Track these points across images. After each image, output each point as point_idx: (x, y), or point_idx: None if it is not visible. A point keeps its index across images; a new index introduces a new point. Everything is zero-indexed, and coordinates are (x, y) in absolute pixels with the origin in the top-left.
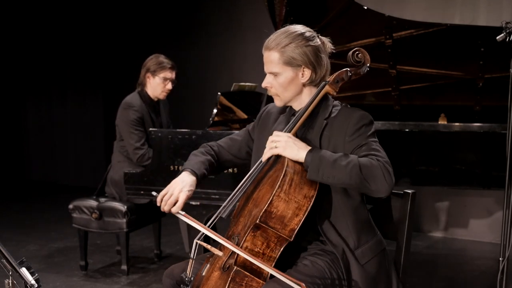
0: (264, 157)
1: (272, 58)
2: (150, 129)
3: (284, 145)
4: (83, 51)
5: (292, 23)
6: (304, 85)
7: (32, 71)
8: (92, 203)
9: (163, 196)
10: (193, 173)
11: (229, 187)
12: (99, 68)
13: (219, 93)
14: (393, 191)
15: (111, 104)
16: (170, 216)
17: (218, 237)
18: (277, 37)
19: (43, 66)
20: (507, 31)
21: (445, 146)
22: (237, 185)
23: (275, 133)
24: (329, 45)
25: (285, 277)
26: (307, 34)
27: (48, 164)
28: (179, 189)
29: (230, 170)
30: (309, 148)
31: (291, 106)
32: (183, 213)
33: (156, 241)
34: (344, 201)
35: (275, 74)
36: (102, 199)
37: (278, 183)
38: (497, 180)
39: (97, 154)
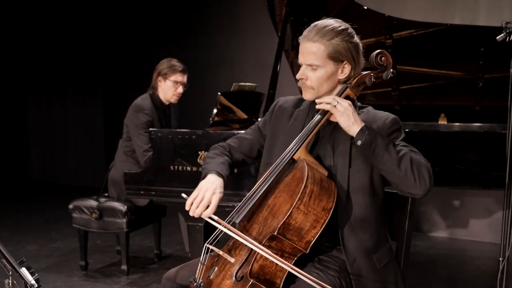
0: (320, 106)
1: (314, 50)
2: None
3: (343, 110)
4: (83, 51)
5: (292, 23)
6: (339, 81)
7: (32, 71)
8: (92, 203)
9: (194, 199)
10: (219, 174)
11: (229, 187)
12: (99, 68)
13: (219, 93)
14: (393, 191)
15: (111, 104)
16: (170, 216)
17: (256, 247)
18: (320, 29)
19: (43, 66)
20: (507, 31)
21: (445, 146)
22: (238, 185)
23: (334, 97)
24: (361, 46)
25: (313, 280)
26: (350, 30)
27: (48, 164)
28: (211, 191)
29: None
30: (363, 124)
31: (314, 102)
32: (216, 218)
33: (156, 241)
34: (372, 206)
35: (314, 67)
36: (102, 199)
37: (299, 195)
38: (497, 180)
39: (97, 154)
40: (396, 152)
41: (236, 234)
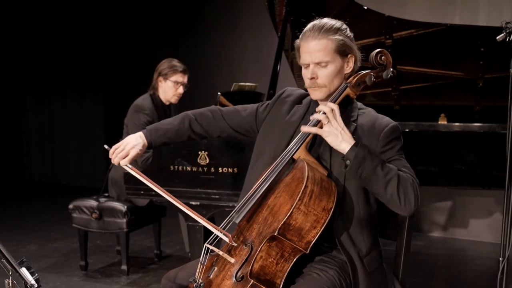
0: (306, 129)
1: (321, 47)
2: None
3: (330, 131)
4: (83, 51)
5: (292, 23)
6: (345, 77)
7: (32, 71)
8: (92, 203)
9: (115, 149)
10: (148, 138)
11: (229, 187)
12: (99, 68)
13: (219, 93)
14: None
15: (111, 104)
16: (170, 216)
17: (177, 203)
18: (321, 27)
19: (43, 66)
20: (507, 31)
21: (445, 146)
22: (238, 185)
23: (331, 106)
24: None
25: (211, 225)
26: (344, 26)
27: (48, 164)
28: (131, 145)
29: (230, 170)
30: (353, 142)
31: (315, 100)
32: (131, 166)
33: (156, 241)
34: (365, 208)
35: (323, 64)
36: (102, 199)
37: (299, 195)
38: (497, 180)
39: (97, 154)
40: (383, 175)
41: (159, 189)
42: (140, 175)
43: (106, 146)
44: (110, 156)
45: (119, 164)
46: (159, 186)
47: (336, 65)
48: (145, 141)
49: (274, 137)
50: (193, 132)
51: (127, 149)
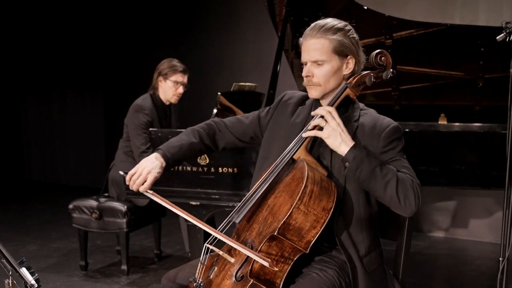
0: (305, 134)
1: (319, 46)
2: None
3: (330, 132)
4: (83, 51)
5: (292, 23)
6: (344, 77)
7: (32, 71)
8: (92, 203)
9: (132, 176)
10: (165, 157)
11: (229, 187)
12: (99, 68)
13: (219, 93)
14: None
15: (111, 104)
16: (170, 216)
17: (193, 220)
18: (322, 26)
19: (43, 66)
20: (507, 31)
21: (445, 146)
22: (238, 185)
23: (328, 109)
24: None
25: (253, 254)
26: (349, 26)
27: (48, 164)
28: (148, 170)
29: (230, 170)
30: (352, 144)
31: (317, 100)
32: (151, 192)
33: (156, 241)
34: (365, 208)
35: (320, 63)
36: (102, 199)
37: (299, 195)
38: (497, 180)
39: (97, 154)
40: (382, 177)
41: (179, 210)
42: (162, 200)
43: (121, 172)
44: (127, 183)
45: (138, 190)
46: (182, 210)
47: (332, 65)
48: (162, 161)
49: (279, 140)
50: (203, 144)
51: (144, 174)
